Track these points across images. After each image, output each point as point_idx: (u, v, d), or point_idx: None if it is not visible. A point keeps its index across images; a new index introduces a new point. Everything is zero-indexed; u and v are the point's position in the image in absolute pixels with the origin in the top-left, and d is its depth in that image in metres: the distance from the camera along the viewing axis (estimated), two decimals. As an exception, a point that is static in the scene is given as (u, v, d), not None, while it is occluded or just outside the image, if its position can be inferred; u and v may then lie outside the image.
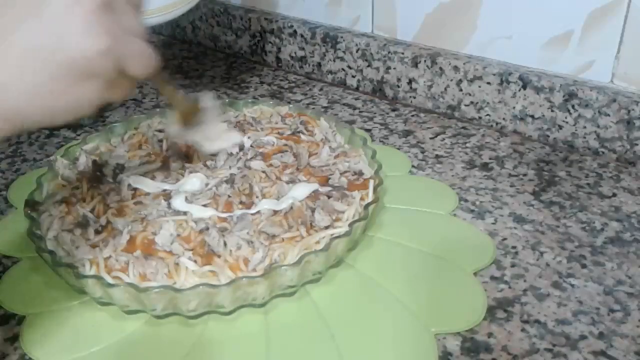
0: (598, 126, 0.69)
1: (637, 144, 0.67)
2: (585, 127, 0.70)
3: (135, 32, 0.39)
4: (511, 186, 0.64)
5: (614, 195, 0.62)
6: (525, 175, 0.66)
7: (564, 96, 0.70)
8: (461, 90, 0.78)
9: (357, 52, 0.86)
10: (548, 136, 0.73)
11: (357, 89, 0.88)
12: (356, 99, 0.86)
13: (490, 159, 0.70)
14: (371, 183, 0.56)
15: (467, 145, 0.73)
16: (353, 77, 0.88)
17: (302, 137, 0.65)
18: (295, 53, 0.93)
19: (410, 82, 0.82)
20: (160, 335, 0.47)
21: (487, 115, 0.77)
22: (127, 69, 0.38)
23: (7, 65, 0.34)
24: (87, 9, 0.35)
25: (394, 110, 0.82)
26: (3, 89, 0.34)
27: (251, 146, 0.63)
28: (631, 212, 0.60)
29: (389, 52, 0.82)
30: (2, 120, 0.35)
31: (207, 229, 0.51)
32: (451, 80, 0.78)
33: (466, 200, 0.62)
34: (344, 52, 0.87)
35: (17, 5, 0.35)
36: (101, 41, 0.35)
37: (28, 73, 0.34)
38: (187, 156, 0.61)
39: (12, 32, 0.34)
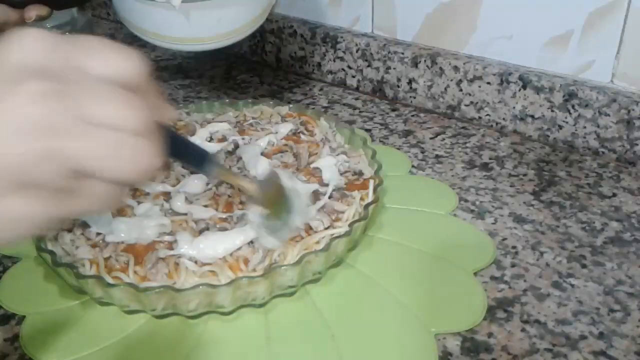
0: (598, 126, 0.69)
1: (637, 144, 0.67)
2: (585, 127, 0.70)
3: (108, 121, 0.28)
4: (511, 186, 0.64)
5: (614, 195, 0.62)
6: (525, 175, 0.66)
7: (564, 96, 0.70)
8: (461, 90, 0.78)
9: (357, 52, 0.86)
10: (548, 136, 0.73)
11: (357, 89, 0.88)
12: (356, 99, 0.86)
13: (490, 159, 0.70)
14: (371, 183, 0.56)
15: (467, 145, 0.73)
16: (353, 77, 0.88)
17: (302, 137, 0.65)
18: (295, 53, 0.93)
19: (410, 82, 0.82)
20: (160, 335, 0.47)
21: (487, 115, 0.77)
22: (91, 172, 0.28)
23: None
24: (22, 100, 0.27)
25: (394, 110, 0.82)
26: None
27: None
28: (631, 212, 0.60)
29: (389, 52, 0.82)
30: None
31: (207, 229, 0.51)
32: (451, 80, 0.78)
33: (466, 200, 0.62)
34: (344, 52, 0.87)
35: None
36: (34, 141, 0.26)
37: None
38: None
39: None
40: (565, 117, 0.71)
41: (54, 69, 0.27)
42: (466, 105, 0.78)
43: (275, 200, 0.48)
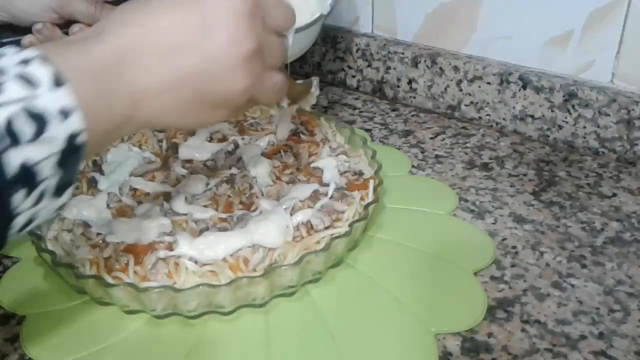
0: (598, 126, 0.69)
1: (637, 144, 0.67)
2: (585, 127, 0.70)
3: (275, 65, 0.43)
4: (511, 186, 0.64)
5: (614, 195, 0.62)
6: (525, 175, 0.66)
7: (564, 96, 0.70)
8: (461, 90, 0.78)
9: (357, 52, 0.86)
10: (548, 136, 0.73)
11: (357, 89, 0.88)
12: (356, 99, 0.86)
13: (490, 159, 0.70)
14: (371, 183, 0.56)
15: (467, 145, 0.73)
16: (353, 77, 0.88)
17: (302, 137, 0.65)
18: (295, 53, 0.93)
19: (410, 82, 0.82)
20: (160, 335, 0.47)
21: (487, 115, 0.77)
22: (257, 100, 0.43)
23: (156, 82, 0.37)
24: (242, 52, 0.39)
25: (394, 110, 0.82)
26: (141, 101, 0.37)
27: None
28: (631, 212, 0.60)
29: (389, 52, 0.82)
30: (129, 124, 0.37)
31: (207, 229, 0.51)
32: (451, 80, 0.78)
33: (466, 200, 0.62)
34: (344, 52, 0.87)
35: (181, 31, 0.38)
36: (246, 82, 0.40)
37: (171, 94, 0.38)
38: None
39: (173, 53, 0.37)
40: (565, 117, 0.71)
41: (256, 32, 0.39)
42: (466, 105, 0.78)
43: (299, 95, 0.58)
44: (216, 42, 0.38)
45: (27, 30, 0.54)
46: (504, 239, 0.56)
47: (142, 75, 0.37)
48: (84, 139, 0.33)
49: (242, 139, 0.64)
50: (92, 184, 0.58)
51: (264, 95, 0.43)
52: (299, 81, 0.57)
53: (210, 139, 0.65)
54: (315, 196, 0.55)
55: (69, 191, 0.34)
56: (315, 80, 0.60)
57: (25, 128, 0.30)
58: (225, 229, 0.51)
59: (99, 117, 0.34)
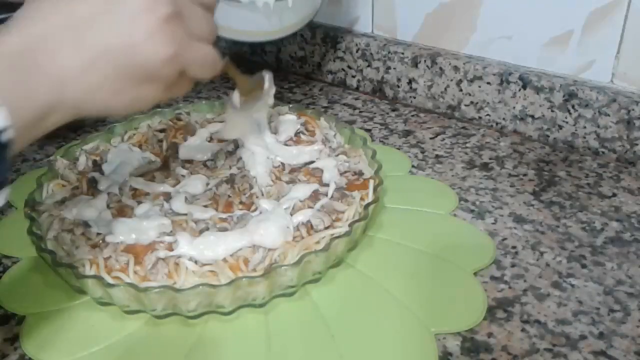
0: (598, 126, 0.69)
1: (637, 144, 0.67)
2: (585, 127, 0.70)
3: (203, 37, 0.41)
4: (511, 186, 0.64)
5: (614, 195, 0.62)
6: (525, 175, 0.66)
7: (564, 96, 0.70)
8: (461, 90, 0.78)
9: (357, 52, 0.86)
10: (548, 136, 0.73)
11: (357, 89, 0.88)
12: (356, 99, 0.86)
13: (490, 159, 0.70)
14: (371, 183, 0.56)
15: (467, 145, 0.73)
16: (353, 77, 0.88)
17: (302, 137, 0.65)
18: (295, 53, 0.93)
19: (410, 82, 0.82)
20: (160, 335, 0.47)
21: (487, 115, 0.77)
22: (189, 72, 0.41)
23: (75, 61, 0.36)
24: (158, 16, 0.37)
25: (394, 110, 0.82)
26: (64, 84, 0.35)
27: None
28: (631, 212, 0.60)
29: (389, 52, 0.82)
30: (57, 111, 0.36)
31: (207, 229, 0.51)
32: (451, 80, 0.78)
33: (466, 200, 0.62)
34: (344, 52, 0.87)
35: (93, 4, 0.36)
36: (168, 49, 0.38)
37: (93, 72, 0.36)
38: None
39: (86, 28, 0.36)
40: (565, 117, 0.71)
41: None
42: (466, 105, 0.78)
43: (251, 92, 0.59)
44: (131, 8, 0.37)
45: (21, 5, 0.54)
46: (504, 239, 0.56)
47: (59, 56, 0.35)
48: (10, 135, 0.32)
49: (242, 138, 0.64)
50: (92, 184, 0.58)
51: (194, 67, 0.41)
52: (252, 76, 0.56)
53: (210, 139, 0.65)
54: (315, 196, 0.55)
55: (3, 193, 0.32)
56: (267, 75, 0.58)
57: None
58: (225, 229, 0.51)
59: (23, 109, 0.33)
